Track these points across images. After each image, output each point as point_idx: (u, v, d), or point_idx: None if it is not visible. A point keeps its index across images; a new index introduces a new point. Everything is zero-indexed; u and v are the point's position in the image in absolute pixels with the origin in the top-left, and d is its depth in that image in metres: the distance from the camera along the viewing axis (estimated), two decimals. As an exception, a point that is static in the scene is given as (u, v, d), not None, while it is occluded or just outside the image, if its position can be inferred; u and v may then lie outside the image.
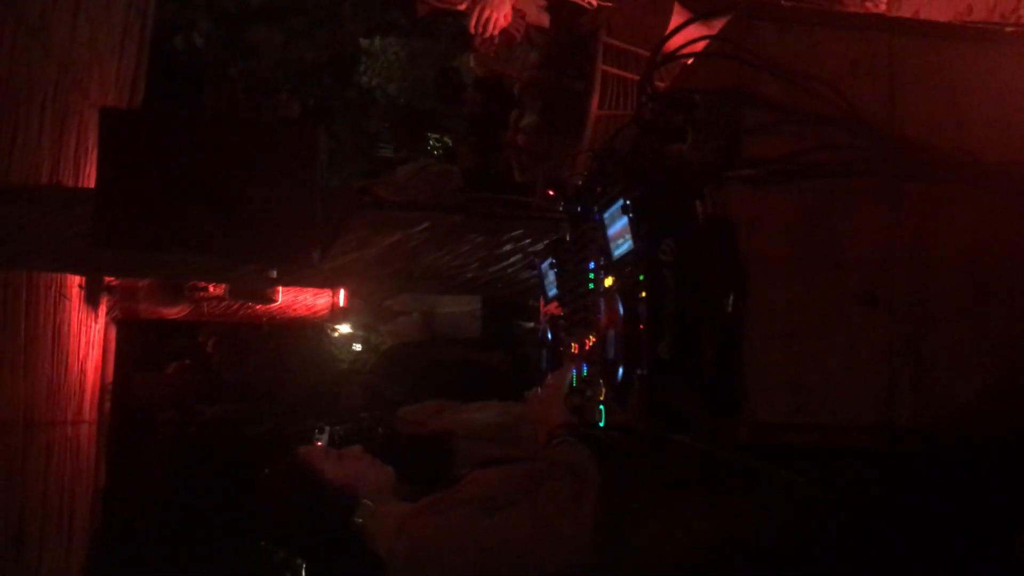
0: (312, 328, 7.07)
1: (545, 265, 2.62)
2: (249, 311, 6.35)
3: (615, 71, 3.52)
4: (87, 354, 6.05)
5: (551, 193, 2.39)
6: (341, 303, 6.26)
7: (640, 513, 1.90)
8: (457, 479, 2.17)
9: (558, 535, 1.86)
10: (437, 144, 7.54)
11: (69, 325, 5.63)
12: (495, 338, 5.11)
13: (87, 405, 6.14)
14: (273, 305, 6.26)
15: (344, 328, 6.98)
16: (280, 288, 6.12)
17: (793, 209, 1.67)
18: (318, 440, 5.02)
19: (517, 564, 1.87)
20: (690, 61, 1.88)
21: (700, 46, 1.80)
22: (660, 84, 1.98)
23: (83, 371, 5.99)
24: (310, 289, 6.23)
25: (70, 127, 5.35)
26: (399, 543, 1.99)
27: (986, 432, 1.69)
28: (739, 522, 1.86)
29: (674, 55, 1.81)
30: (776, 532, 1.83)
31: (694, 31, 1.84)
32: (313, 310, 6.38)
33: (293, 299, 6.31)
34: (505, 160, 4.64)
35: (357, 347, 7.15)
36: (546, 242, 3.33)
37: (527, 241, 3.54)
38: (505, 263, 3.61)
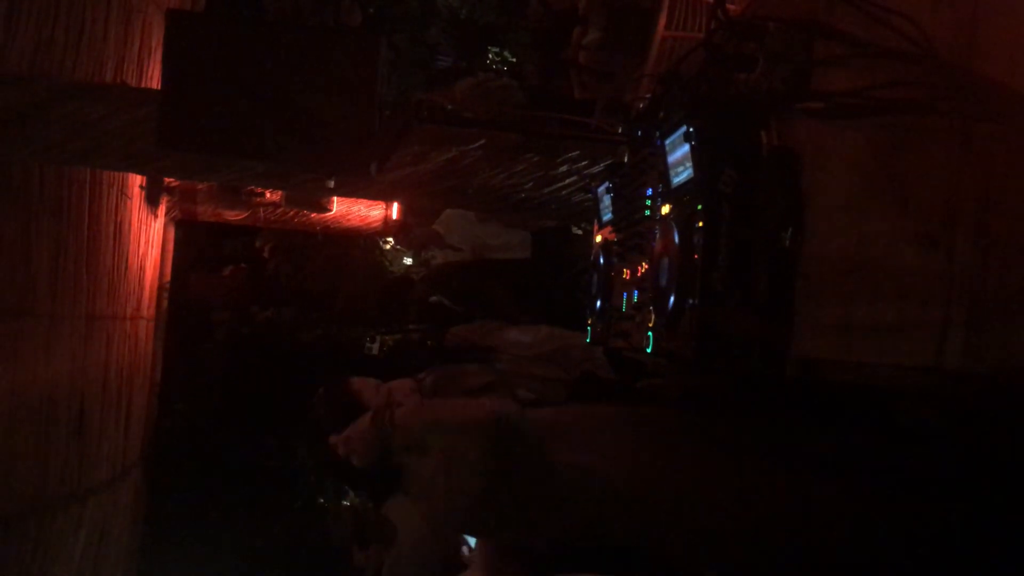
0: (365, 239, 7.15)
1: (601, 189, 2.60)
2: (304, 219, 6.42)
3: (684, -9, 3.43)
4: (146, 252, 6.20)
5: (611, 118, 2.37)
6: (395, 216, 6.30)
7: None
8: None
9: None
10: (497, 58, 7.43)
11: (130, 223, 5.76)
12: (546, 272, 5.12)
13: (145, 302, 6.32)
14: (328, 215, 6.32)
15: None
16: (335, 198, 6.17)
17: (860, 145, 1.64)
18: (370, 348, 5.13)
19: None
20: (764, -13, 1.83)
21: (776, -28, 1.76)
22: (731, 6, 1.94)
23: (142, 269, 6.15)
24: (364, 200, 6.27)
25: (135, 26, 5.39)
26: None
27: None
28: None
29: (749, -20, 1.77)
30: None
31: (771, -44, 1.79)
32: (367, 221, 6.43)
33: (347, 210, 6.36)
34: (567, 77, 4.58)
35: (408, 260, 7.22)
36: (602, 165, 3.31)
37: (583, 163, 3.52)
38: (560, 184, 3.60)
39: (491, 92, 5.09)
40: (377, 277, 7.05)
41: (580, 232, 3.90)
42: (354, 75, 3.28)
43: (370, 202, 6.30)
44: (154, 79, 5.54)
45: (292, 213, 6.35)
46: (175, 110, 3.31)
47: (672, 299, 1.79)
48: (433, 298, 5.07)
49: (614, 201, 2.48)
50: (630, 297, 2.23)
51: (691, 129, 1.73)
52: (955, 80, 1.64)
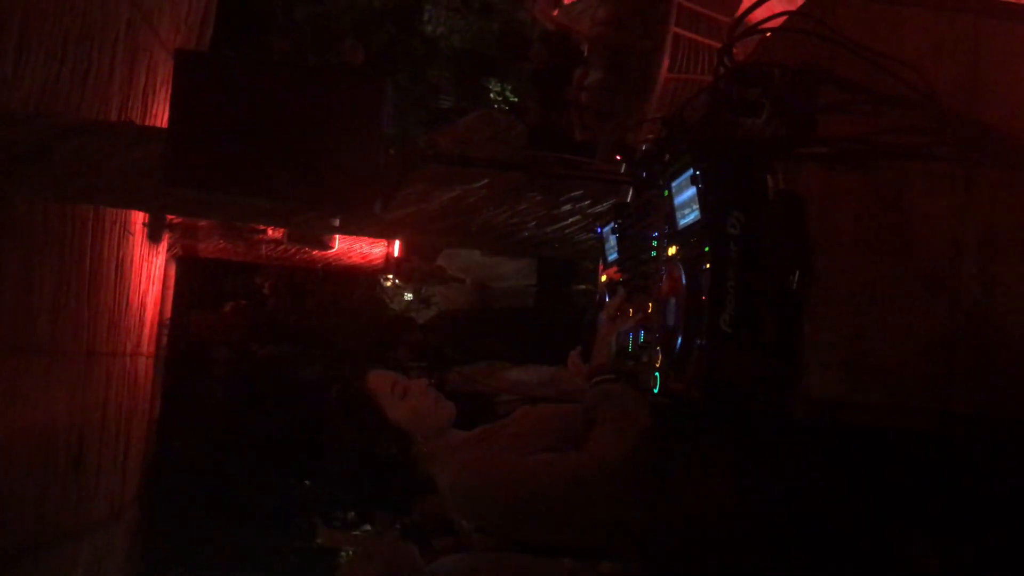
0: (366, 276, 7.17)
1: (606, 229, 2.63)
2: (305, 256, 6.44)
3: (687, 34, 3.48)
4: (147, 289, 6.21)
5: (618, 157, 2.40)
6: (396, 253, 6.33)
7: (684, 459, 1.95)
8: (507, 412, 2.27)
9: (600, 483, 1.92)
10: (498, 96, 7.51)
11: (131, 260, 5.78)
12: (550, 308, 5.14)
13: (145, 338, 6.31)
14: (329, 251, 6.35)
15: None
16: (337, 235, 6.20)
17: (864, 190, 1.66)
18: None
19: (556, 503, 1.95)
20: (768, 35, 1.86)
21: (780, 20, 1.79)
22: (736, 49, 1.97)
23: (143, 305, 6.16)
24: (366, 238, 6.30)
25: (140, 64, 5.45)
26: (450, 466, 2.11)
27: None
28: (782, 481, 1.90)
29: (754, 28, 1.80)
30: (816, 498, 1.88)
31: (775, 5, 1.83)
32: (368, 259, 6.46)
33: (349, 247, 6.39)
34: (568, 118, 4.63)
35: (408, 296, 7.24)
36: (605, 205, 3.33)
37: (587, 203, 3.55)
38: (563, 223, 3.63)
39: (495, 123, 5.14)
40: (377, 314, 7.06)
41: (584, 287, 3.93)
42: (359, 114, 3.31)
43: (372, 239, 6.33)
44: (158, 117, 5.59)
45: (294, 250, 6.37)
46: (181, 148, 3.34)
47: (679, 340, 1.80)
48: (435, 343, 5.08)
49: (619, 241, 2.50)
50: (636, 337, 2.24)
51: (698, 172, 1.76)
52: (957, 126, 1.67)
